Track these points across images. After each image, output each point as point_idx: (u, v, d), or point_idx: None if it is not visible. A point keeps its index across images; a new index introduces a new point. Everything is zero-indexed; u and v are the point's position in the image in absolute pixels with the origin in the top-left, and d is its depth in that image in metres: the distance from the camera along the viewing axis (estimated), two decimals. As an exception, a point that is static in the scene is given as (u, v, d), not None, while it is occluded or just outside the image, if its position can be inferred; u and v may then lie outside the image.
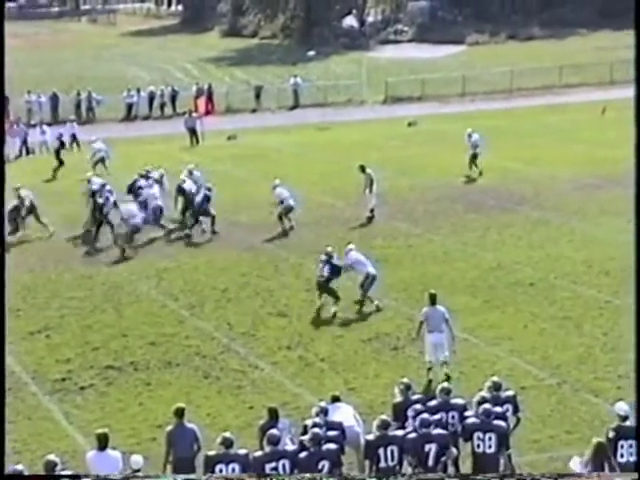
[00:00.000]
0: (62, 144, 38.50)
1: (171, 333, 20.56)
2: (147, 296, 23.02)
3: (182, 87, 54.77)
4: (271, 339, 20.05)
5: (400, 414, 13.76)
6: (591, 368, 18.08)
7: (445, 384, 14.37)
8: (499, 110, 50.10)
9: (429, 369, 17.66)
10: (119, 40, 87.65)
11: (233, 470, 12.44)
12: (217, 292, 23.03)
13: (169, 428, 13.66)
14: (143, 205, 27.47)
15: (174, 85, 54.93)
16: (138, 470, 12.54)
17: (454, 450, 13.07)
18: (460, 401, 13.89)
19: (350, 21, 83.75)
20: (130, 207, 26.80)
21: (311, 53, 68.34)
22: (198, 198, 27.70)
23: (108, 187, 27.86)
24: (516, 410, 14.00)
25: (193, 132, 43.33)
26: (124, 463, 12.84)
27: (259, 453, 12.73)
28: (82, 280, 24.30)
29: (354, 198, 29.87)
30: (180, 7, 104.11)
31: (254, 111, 53.81)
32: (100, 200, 27.29)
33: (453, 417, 13.62)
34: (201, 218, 27.58)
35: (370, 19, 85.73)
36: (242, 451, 12.73)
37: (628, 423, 12.86)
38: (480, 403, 13.43)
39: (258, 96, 54.74)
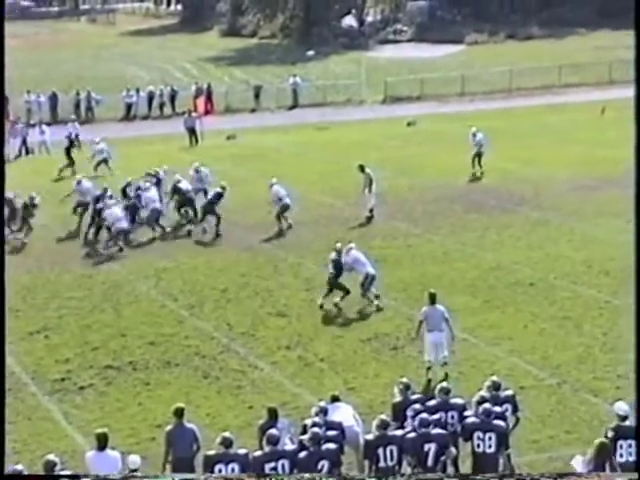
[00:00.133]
0: (72, 143, 38.38)
1: (170, 333, 20.55)
2: (146, 296, 23.01)
3: (181, 87, 54.75)
4: (270, 339, 20.05)
5: (399, 414, 13.76)
6: (590, 368, 18.08)
7: (444, 384, 14.37)
8: (498, 110, 50.10)
9: (428, 368, 17.67)
10: (118, 40, 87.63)
11: (232, 470, 12.44)
12: (216, 292, 23.03)
13: (168, 428, 13.66)
14: (134, 209, 27.56)
15: (173, 85, 54.93)
16: (136, 470, 12.55)
17: (453, 450, 13.07)
18: (459, 401, 13.89)
19: (349, 21, 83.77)
20: (115, 211, 26.67)
21: (310, 53, 68.35)
22: (210, 195, 27.76)
23: (108, 192, 27.82)
24: (515, 410, 14.00)
25: (192, 132, 43.33)
26: (123, 463, 12.85)
27: (258, 453, 12.73)
28: (81, 280, 24.30)
29: (353, 198, 29.88)
30: (179, 7, 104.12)
31: (253, 111, 53.82)
32: (99, 205, 27.27)
33: (452, 417, 13.62)
34: (207, 217, 27.60)
35: (369, 19, 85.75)
36: (241, 451, 12.73)
37: (627, 423, 12.86)
38: (479, 403, 13.43)
39: (257, 96, 54.74)
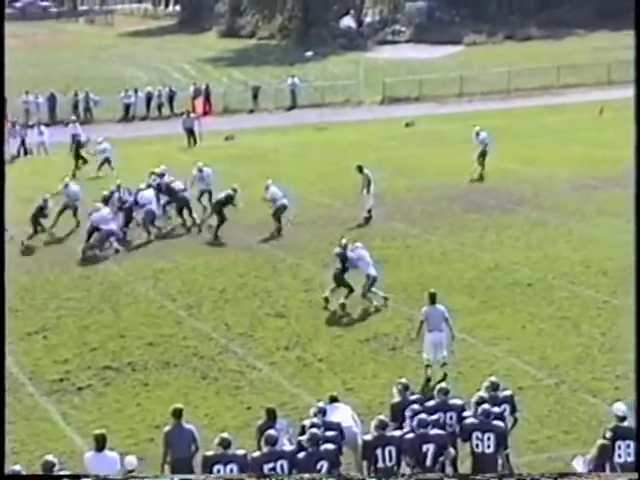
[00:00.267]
0: (79, 143, 38.31)
1: (169, 334, 20.54)
2: (145, 297, 23.01)
3: (180, 87, 54.75)
4: (269, 340, 20.04)
5: (398, 414, 13.75)
6: (589, 368, 18.07)
7: (443, 384, 14.37)
8: (497, 110, 50.08)
9: (427, 366, 17.68)
10: (117, 41, 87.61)
11: (231, 470, 12.43)
12: (215, 293, 23.02)
13: (167, 428, 13.65)
14: (129, 210, 27.55)
15: (172, 86, 54.94)
16: (132, 471, 12.54)
17: (452, 450, 13.07)
18: (458, 401, 13.89)
19: (348, 22, 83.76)
20: (103, 213, 26.61)
21: (309, 53, 68.37)
22: (220, 195, 27.68)
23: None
24: (513, 410, 14.00)
25: (191, 133, 43.33)
26: (122, 464, 12.83)
27: (257, 453, 12.73)
28: (80, 281, 24.29)
29: (351, 198, 29.87)
30: (178, 7, 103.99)
31: (252, 111, 53.82)
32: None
33: (451, 417, 13.62)
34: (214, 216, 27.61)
35: (368, 19, 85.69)
36: (240, 452, 12.73)
37: (626, 424, 12.85)
38: (478, 403, 13.43)
39: (256, 96, 54.74)
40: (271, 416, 13.66)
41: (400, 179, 33.34)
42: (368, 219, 28.57)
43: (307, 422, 13.39)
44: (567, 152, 37.27)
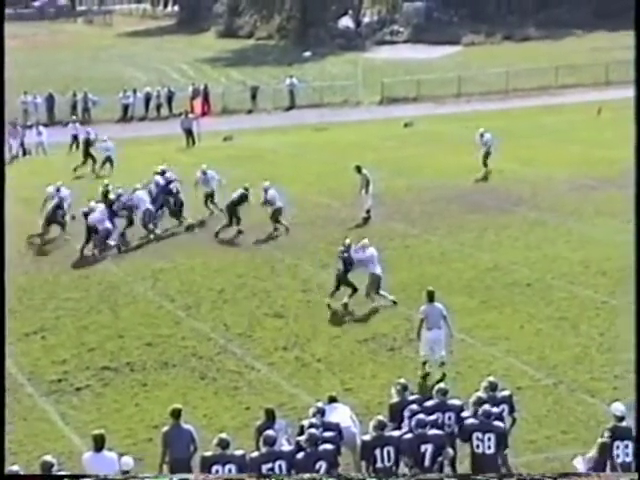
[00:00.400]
0: (89, 141, 38.26)
1: (167, 334, 20.54)
2: (143, 297, 23.00)
3: (178, 88, 54.75)
4: (267, 340, 20.04)
5: (397, 415, 13.75)
6: (587, 368, 18.08)
7: (442, 385, 14.37)
8: (495, 111, 50.08)
9: (424, 363, 17.70)
10: (115, 41, 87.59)
11: (229, 471, 12.43)
12: (213, 293, 23.02)
13: (165, 429, 13.65)
14: (129, 210, 27.56)
15: (170, 86, 54.93)
16: (128, 472, 12.53)
17: (450, 450, 13.07)
18: (457, 402, 13.89)
19: (346, 22, 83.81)
20: (97, 213, 26.53)
21: (307, 54, 68.40)
22: (234, 196, 27.60)
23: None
24: (512, 410, 14.01)
25: (189, 133, 43.30)
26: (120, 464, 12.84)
27: (255, 454, 12.73)
28: (78, 281, 24.29)
29: (350, 199, 29.86)
30: (176, 8, 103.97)
31: (250, 112, 53.79)
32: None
33: (450, 418, 13.62)
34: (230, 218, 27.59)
35: (366, 20, 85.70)
36: (238, 452, 12.73)
37: (624, 424, 12.86)
38: (476, 403, 13.44)
39: (254, 97, 54.73)
40: (270, 416, 13.66)
41: (399, 179, 33.34)
42: (367, 219, 28.56)
43: (306, 422, 13.39)
44: (565, 152, 37.27)
